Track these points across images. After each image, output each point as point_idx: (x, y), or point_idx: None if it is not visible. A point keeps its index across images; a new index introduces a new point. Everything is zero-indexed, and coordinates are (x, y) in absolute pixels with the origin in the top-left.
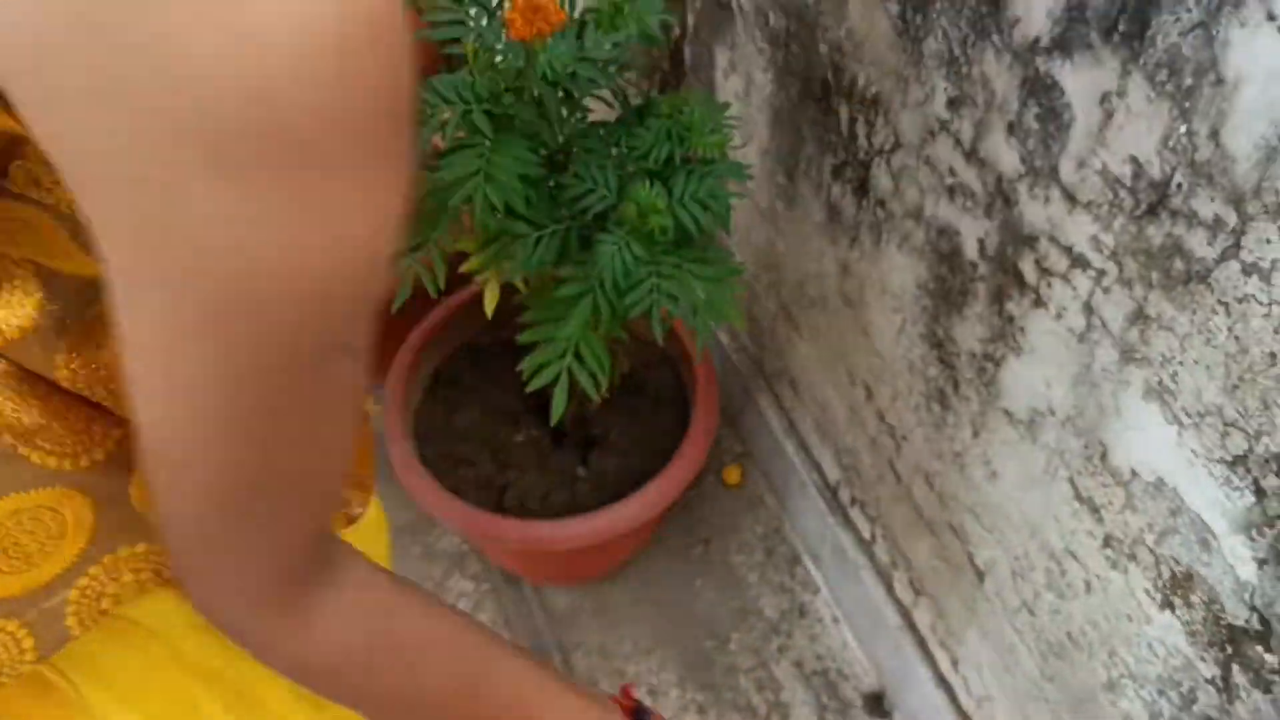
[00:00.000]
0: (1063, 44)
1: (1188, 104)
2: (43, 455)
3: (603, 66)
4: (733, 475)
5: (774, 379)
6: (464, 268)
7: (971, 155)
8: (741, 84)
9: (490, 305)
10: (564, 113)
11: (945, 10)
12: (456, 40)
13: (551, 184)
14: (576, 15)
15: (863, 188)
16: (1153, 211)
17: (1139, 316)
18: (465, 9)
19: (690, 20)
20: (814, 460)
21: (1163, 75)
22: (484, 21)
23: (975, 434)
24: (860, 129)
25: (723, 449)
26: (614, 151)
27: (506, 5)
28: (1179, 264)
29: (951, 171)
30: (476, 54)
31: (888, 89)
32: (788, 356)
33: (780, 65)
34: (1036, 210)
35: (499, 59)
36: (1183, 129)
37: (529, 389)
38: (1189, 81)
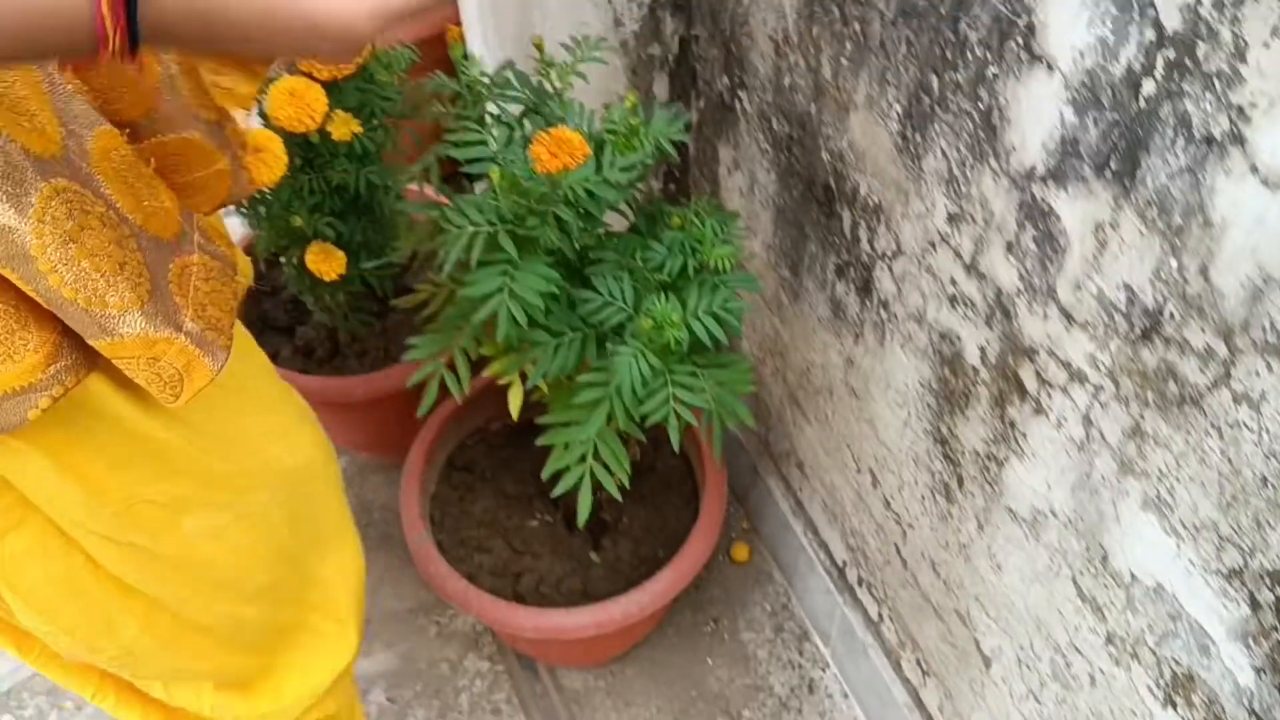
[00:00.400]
0: (1057, 174)
1: (1178, 241)
2: None
3: (620, 186)
4: (741, 552)
5: (781, 459)
6: (487, 372)
7: (971, 268)
8: (745, 181)
9: (515, 407)
10: (581, 225)
11: (944, 132)
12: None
13: (569, 293)
14: (593, 134)
15: (866, 288)
16: (1147, 336)
17: (1136, 432)
18: (488, 130)
19: (694, 116)
20: (821, 540)
21: (1153, 212)
22: (505, 143)
23: (980, 527)
24: (863, 233)
25: (731, 526)
26: (629, 263)
27: (527, 126)
28: (1173, 387)
29: (952, 281)
30: (501, 177)
31: (889, 199)
32: (795, 438)
33: (783, 167)
34: (1035, 325)
35: (524, 182)
36: (1173, 263)
37: (554, 495)
38: (1178, 220)
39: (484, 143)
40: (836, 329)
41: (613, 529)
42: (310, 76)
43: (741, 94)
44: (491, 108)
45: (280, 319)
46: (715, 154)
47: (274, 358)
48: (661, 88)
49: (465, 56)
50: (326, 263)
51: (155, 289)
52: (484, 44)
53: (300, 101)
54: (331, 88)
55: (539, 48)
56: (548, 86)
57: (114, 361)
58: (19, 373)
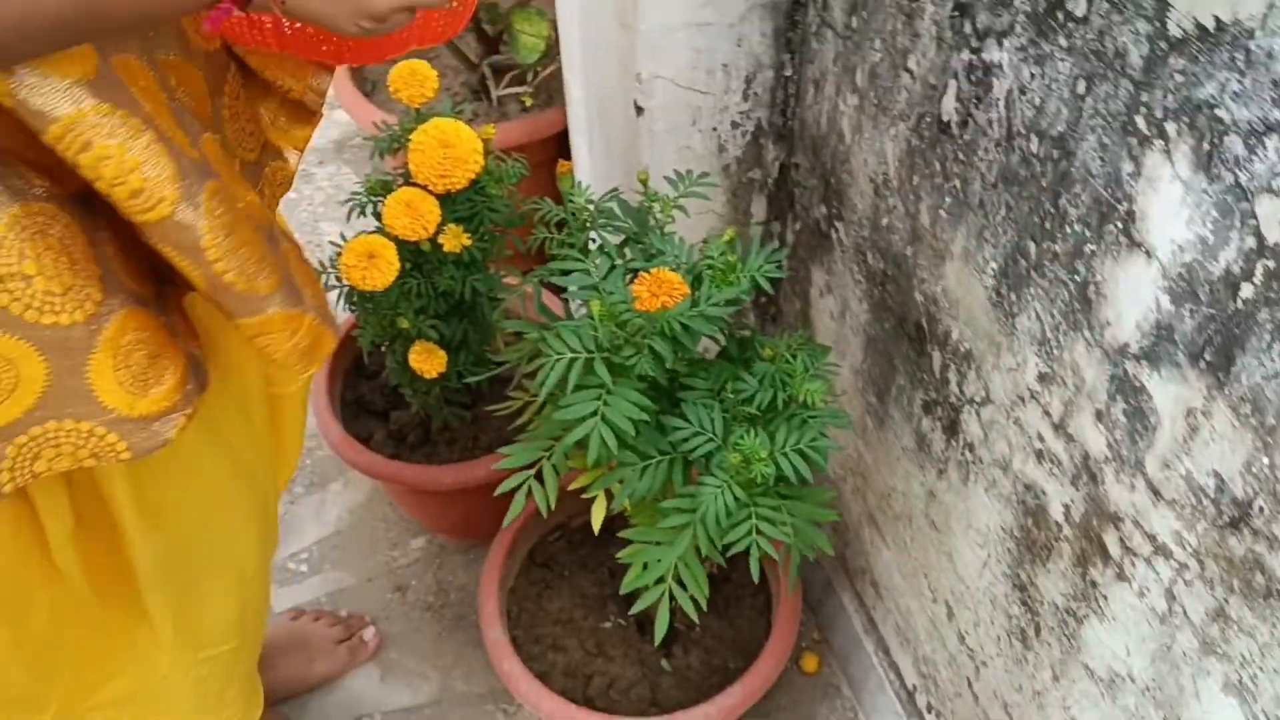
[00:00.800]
0: (1151, 356)
1: (1270, 440)
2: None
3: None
4: (810, 663)
5: (856, 576)
6: (573, 485)
7: (1060, 428)
8: (837, 306)
9: (598, 521)
10: (675, 352)
11: (1039, 296)
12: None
13: (659, 417)
14: (692, 266)
15: (953, 428)
16: (1235, 526)
17: (1220, 615)
18: (591, 260)
19: (790, 237)
20: (892, 660)
21: (1246, 409)
22: (606, 273)
23: (1055, 678)
24: (952, 375)
25: (802, 635)
26: (720, 392)
27: (627, 254)
28: (1260, 579)
29: (1040, 437)
30: (601, 308)
31: (980, 348)
32: (871, 557)
33: (876, 300)
34: (1122, 494)
35: (623, 315)
36: (1265, 461)
37: (631, 612)
38: (1271, 421)
39: (586, 271)
40: (920, 461)
41: (685, 636)
42: (425, 189)
43: (838, 224)
44: (593, 234)
45: (377, 403)
46: (809, 275)
47: (368, 441)
48: (760, 209)
49: (572, 188)
50: (429, 361)
51: (284, 272)
52: (592, 170)
53: (415, 212)
54: (445, 199)
55: (644, 182)
56: (650, 219)
57: (257, 339)
58: (163, 394)
